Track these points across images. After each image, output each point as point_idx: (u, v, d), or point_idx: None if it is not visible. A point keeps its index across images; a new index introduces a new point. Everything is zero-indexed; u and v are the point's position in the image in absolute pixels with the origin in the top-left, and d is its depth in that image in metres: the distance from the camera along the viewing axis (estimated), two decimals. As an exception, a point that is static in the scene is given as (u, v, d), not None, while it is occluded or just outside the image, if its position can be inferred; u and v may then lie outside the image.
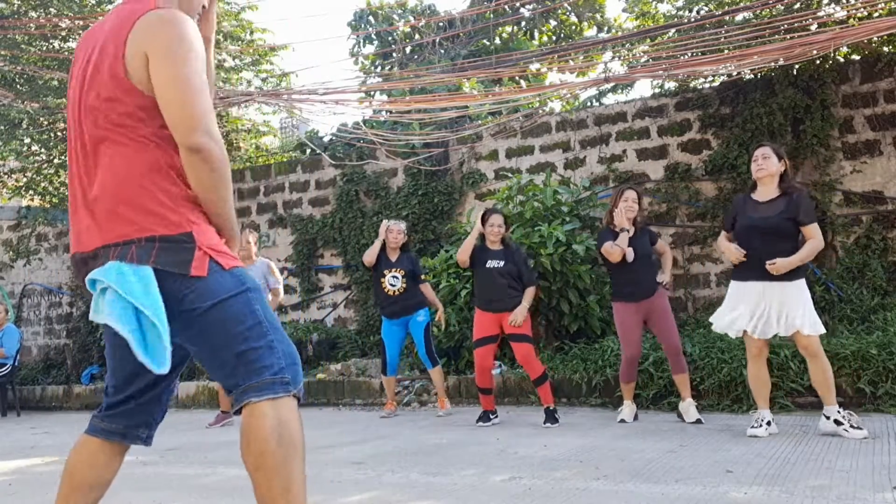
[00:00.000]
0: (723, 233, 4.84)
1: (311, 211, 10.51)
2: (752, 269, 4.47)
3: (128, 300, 1.78)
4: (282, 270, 10.50)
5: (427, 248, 9.37)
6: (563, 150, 9.05)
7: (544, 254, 6.97)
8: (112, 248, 1.86)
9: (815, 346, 4.38)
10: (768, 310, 4.41)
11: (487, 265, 5.68)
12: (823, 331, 4.45)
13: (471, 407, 6.79)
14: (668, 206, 8.34)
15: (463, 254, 5.73)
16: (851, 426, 4.30)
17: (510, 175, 8.67)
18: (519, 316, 5.52)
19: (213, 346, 1.90)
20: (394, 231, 6.57)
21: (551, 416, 5.44)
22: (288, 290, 10.57)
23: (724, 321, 4.61)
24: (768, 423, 4.52)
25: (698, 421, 5.12)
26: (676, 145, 8.46)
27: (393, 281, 6.46)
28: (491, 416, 5.70)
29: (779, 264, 4.33)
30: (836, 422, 4.36)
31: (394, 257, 6.55)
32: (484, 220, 5.81)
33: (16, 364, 9.35)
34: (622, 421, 5.41)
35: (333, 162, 10.04)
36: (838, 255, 7.53)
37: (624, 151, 8.70)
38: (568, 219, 7.67)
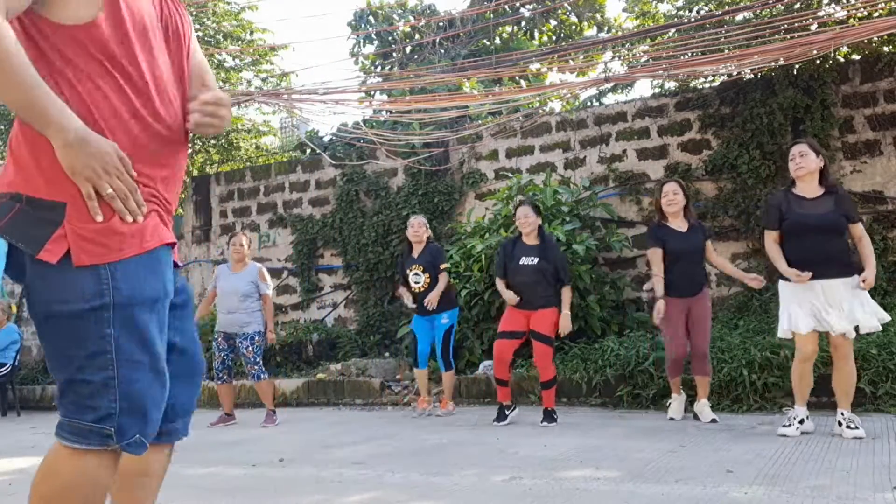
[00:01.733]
0: (769, 234, 4.63)
1: (311, 211, 10.50)
2: (812, 266, 4.34)
3: None
4: (282, 270, 10.51)
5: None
6: (563, 150, 9.05)
7: (544, 254, 6.96)
8: None
9: (849, 347, 4.35)
10: (829, 307, 4.32)
11: (521, 262, 5.64)
12: (888, 318, 4.42)
13: (471, 407, 6.80)
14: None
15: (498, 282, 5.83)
16: (849, 427, 4.32)
17: (510, 175, 8.67)
18: (565, 327, 5.56)
19: (50, 361, 1.55)
20: (414, 225, 6.58)
21: (549, 416, 5.48)
22: (288, 289, 10.58)
23: (792, 323, 4.45)
24: (801, 422, 4.47)
25: (713, 420, 5.15)
26: (676, 145, 8.45)
27: (416, 278, 6.45)
28: (507, 412, 5.68)
29: (870, 279, 4.29)
30: (839, 423, 4.38)
31: (416, 253, 6.53)
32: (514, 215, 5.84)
33: (16, 364, 9.35)
34: (671, 419, 5.37)
35: (333, 162, 10.03)
36: (838, 254, 7.53)
37: (624, 151, 8.70)
38: (568, 219, 7.68)
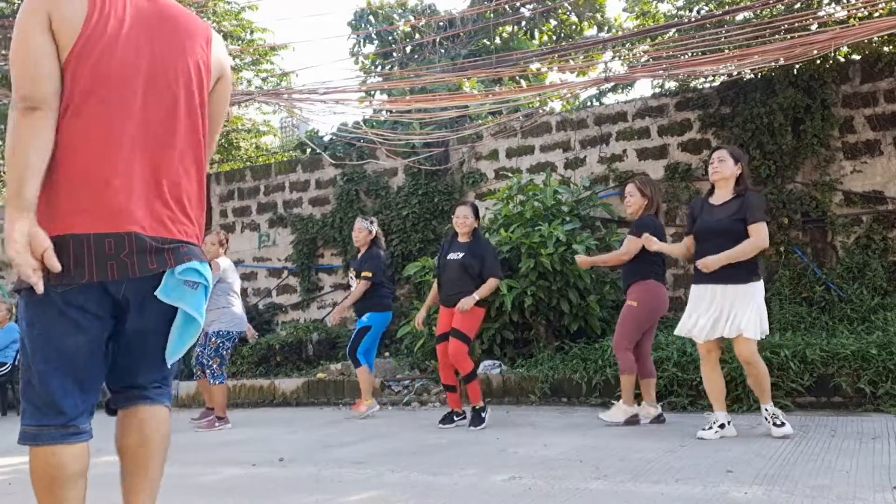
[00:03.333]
0: (686, 238, 4.83)
1: (312, 210, 10.51)
2: (706, 273, 4.49)
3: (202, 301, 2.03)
4: (282, 270, 10.51)
5: (427, 247, 9.37)
6: (564, 150, 9.05)
7: (544, 254, 6.96)
8: (197, 248, 2.04)
9: (748, 352, 4.39)
10: (718, 312, 4.44)
11: (448, 257, 5.64)
12: (765, 335, 4.49)
13: (469, 407, 6.79)
14: (668, 205, 8.33)
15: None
16: (774, 424, 4.37)
17: (510, 175, 8.67)
18: (464, 303, 5.38)
19: (163, 348, 2.10)
20: (356, 230, 6.62)
21: (478, 417, 5.40)
22: (288, 289, 10.58)
23: (685, 326, 4.62)
24: (721, 426, 4.51)
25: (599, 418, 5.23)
26: (676, 145, 8.46)
27: (352, 282, 6.61)
28: (455, 418, 5.62)
29: (707, 261, 4.38)
30: (766, 419, 4.46)
31: (359, 256, 6.66)
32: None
33: (16, 364, 9.35)
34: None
35: (333, 161, 10.04)
36: (838, 255, 7.53)
37: (624, 151, 8.70)
38: (568, 218, 7.67)
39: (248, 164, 12.22)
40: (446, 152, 9.59)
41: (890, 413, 5.10)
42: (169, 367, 2.08)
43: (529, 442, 4.73)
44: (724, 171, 4.59)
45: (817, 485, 3.18)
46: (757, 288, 4.46)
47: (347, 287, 6.33)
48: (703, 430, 4.53)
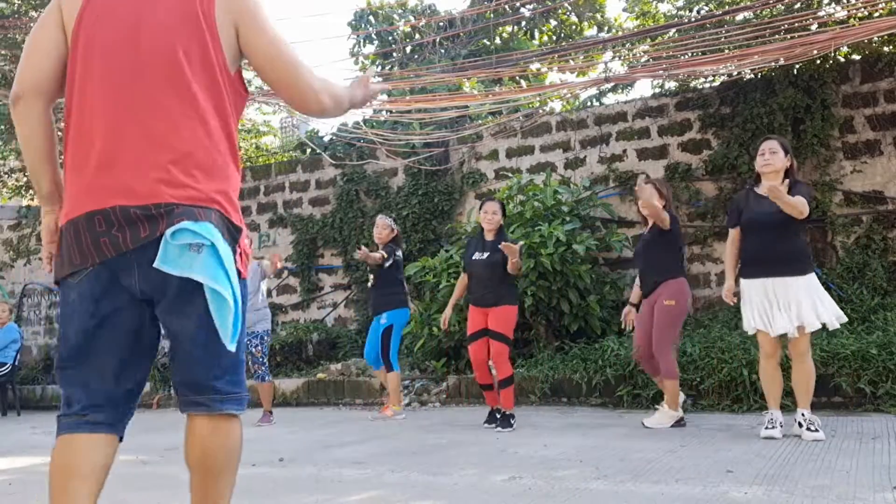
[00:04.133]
0: (731, 231, 4.69)
1: (312, 211, 10.51)
2: (756, 266, 4.43)
3: (225, 267, 1.78)
4: (282, 270, 10.50)
5: (427, 247, 9.37)
6: (564, 150, 9.05)
7: (544, 254, 6.97)
8: (199, 210, 1.80)
9: (805, 347, 4.34)
10: (775, 306, 4.35)
11: (473, 257, 5.59)
12: (844, 319, 4.41)
13: (471, 407, 6.79)
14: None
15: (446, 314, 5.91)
16: (808, 429, 4.30)
17: (510, 175, 8.67)
18: (513, 253, 5.22)
19: (209, 341, 1.95)
20: (378, 226, 6.58)
21: (507, 421, 5.34)
22: (288, 289, 10.58)
23: (752, 322, 4.50)
24: (780, 424, 4.44)
25: (643, 424, 5.10)
26: (677, 145, 8.45)
27: (369, 271, 6.53)
28: (497, 415, 5.60)
29: (773, 187, 4.18)
30: (799, 423, 4.36)
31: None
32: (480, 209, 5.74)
33: (16, 364, 9.35)
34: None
35: (333, 162, 10.04)
36: (838, 255, 7.53)
37: (624, 151, 8.70)
38: (568, 218, 7.67)
39: (248, 164, 12.22)
40: (446, 152, 9.59)
41: (890, 413, 5.10)
42: (224, 360, 1.84)
43: (529, 442, 4.73)
44: (775, 162, 4.47)
45: (817, 485, 3.18)
46: (814, 279, 4.38)
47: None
48: (766, 428, 4.41)
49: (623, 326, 5.53)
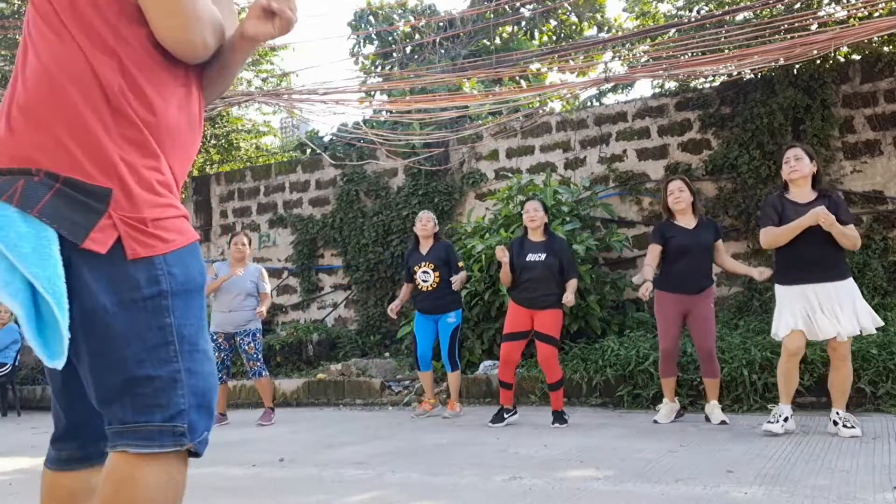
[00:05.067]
0: (770, 227, 4.61)
1: (312, 211, 10.51)
2: (800, 271, 4.42)
3: (12, 262, 1.28)
4: (282, 270, 10.51)
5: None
6: (564, 150, 9.05)
7: (544, 254, 6.96)
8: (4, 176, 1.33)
9: (847, 349, 4.39)
10: (818, 311, 4.37)
11: (528, 258, 5.51)
12: (881, 323, 4.47)
13: (471, 407, 6.79)
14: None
15: (504, 276, 5.60)
16: (845, 426, 4.36)
17: (510, 175, 8.67)
18: (570, 296, 5.34)
19: (94, 360, 1.37)
20: (423, 219, 6.42)
21: (559, 417, 5.37)
22: (288, 289, 10.58)
23: (780, 328, 4.52)
24: (786, 419, 4.49)
25: (723, 422, 5.06)
26: (677, 145, 8.46)
27: (424, 276, 6.26)
28: (506, 415, 5.57)
29: (820, 215, 4.25)
30: (835, 422, 4.43)
31: (425, 249, 6.37)
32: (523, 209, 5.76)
33: (16, 364, 9.35)
34: (655, 422, 5.30)
35: (334, 162, 10.04)
36: (838, 254, 7.53)
37: (624, 151, 8.70)
38: (568, 219, 7.68)
39: (249, 164, 12.22)
40: (446, 152, 9.59)
41: (890, 413, 5.10)
42: (51, 362, 1.33)
43: (530, 442, 4.73)
44: (803, 169, 4.53)
45: (817, 485, 3.18)
46: (853, 284, 4.45)
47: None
48: (770, 422, 4.48)
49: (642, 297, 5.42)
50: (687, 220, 5.34)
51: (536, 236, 5.58)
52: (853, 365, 5.35)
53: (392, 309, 6.39)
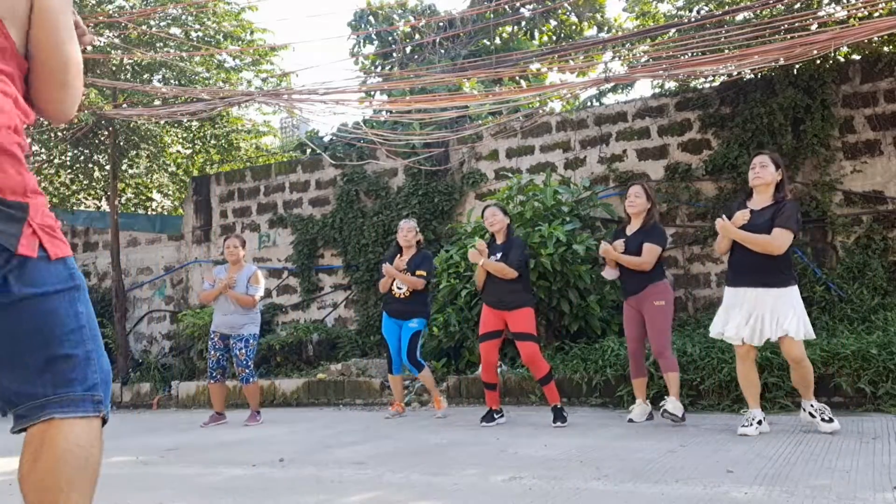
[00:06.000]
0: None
1: (312, 211, 10.51)
2: (744, 276, 4.57)
3: None
4: (282, 270, 10.51)
5: (427, 248, 9.36)
6: (564, 150, 9.05)
7: (544, 254, 6.97)
8: None
9: (797, 352, 4.46)
10: (761, 316, 4.49)
11: (490, 260, 5.65)
12: (812, 336, 4.54)
13: (471, 407, 6.79)
14: (668, 206, 8.34)
15: (478, 277, 5.72)
16: (822, 419, 4.46)
17: (510, 175, 8.67)
18: (489, 265, 5.50)
19: (17, 344, 1.58)
20: (403, 229, 6.55)
21: (559, 415, 5.38)
22: (288, 289, 10.58)
23: (718, 328, 4.69)
24: (759, 423, 4.57)
25: (672, 415, 5.03)
26: (677, 145, 8.46)
27: (399, 284, 6.39)
28: (495, 416, 5.64)
29: (725, 224, 4.53)
30: (811, 414, 4.54)
31: (406, 257, 6.48)
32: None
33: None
34: (630, 420, 5.36)
35: (334, 162, 10.04)
36: (838, 255, 7.53)
37: (624, 151, 8.70)
38: (568, 219, 7.68)
39: (248, 164, 12.22)
40: (446, 152, 9.59)
41: (890, 413, 5.10)
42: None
43: (529, 442, 4.73)
44: (765, 176, 4.63)
45: (817, 485, 3.18)
46: (794, 291, 4.52)
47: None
48: (744, 426, 4.55)
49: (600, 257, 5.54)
50: (633, 226, 5.45)
51: (500, 238, 5.75)
52: (853, 364, 5.39)
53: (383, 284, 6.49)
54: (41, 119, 1.76)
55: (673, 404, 5.10)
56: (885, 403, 5.21)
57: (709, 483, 3.32)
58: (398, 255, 6.54)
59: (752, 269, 4.52)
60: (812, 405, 4.57)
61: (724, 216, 4.70)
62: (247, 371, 6.63)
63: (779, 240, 4.46)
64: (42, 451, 1.58)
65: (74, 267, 1.69)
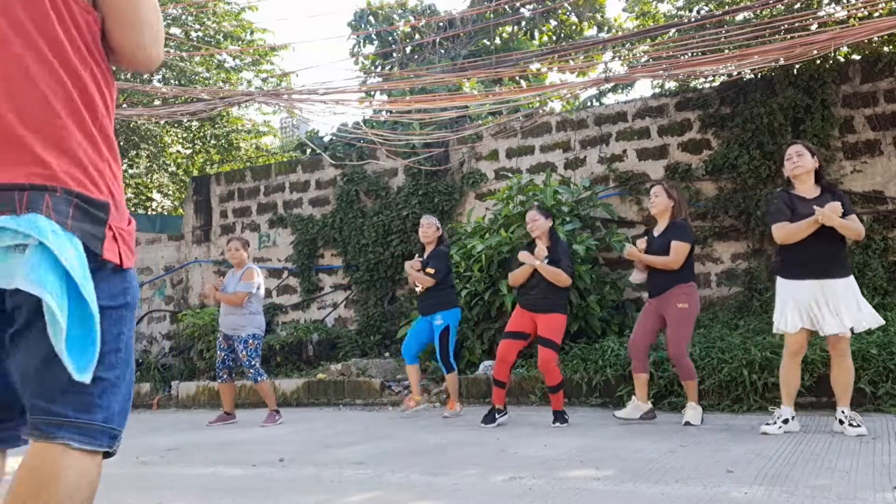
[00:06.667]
0: (783, 222, 4.60)
1: (312, 211, 10.51)
2: (807, 267, 4.44)
3: (62, 267, 1.33)
4: (282, 270, 10.51)
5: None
6: (564, 150, 9.05)
7: (544, 254, 6.97)
8: (25, 193, 1.37)
9: (847, 346, 4.42)
10: (824, 307, 4.39)
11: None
12: (883, 322, 4.49)
13: (471, 407, 6.79)
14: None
15: (520, 278, 5.59)
16: (850, 425, 4.39)
17: (510, 175, 8.67)
18: (545, 268, 5.39)
19: (51, 355, 1.38)
20: (423, 225, 6.55)
21: (560, 417, 5.37)
22: (288, 289, 10.58)
23: (783, 321, 4.53)
24: (785, 421, 4.52)
25: (687, 423, 5.04)
26: (677, 145, 8.45)
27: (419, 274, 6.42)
28: (497, 416, 5.60)
29: (826, 212, 4.31)
30: (840, 421, 4.45)
31: (426, 255, 6.51)
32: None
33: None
34: (617, 417, 5.35)
35: (334, 162, 10.04)
36: (838, 254, 7.53)
37: (624, 151, 8.70)
38: (568, 219, 7.68)
39: (249, 164, 12.23)
40: (446, 152, 9.59)
41: (890, 413, 5.10)
42: (80, 376, 1.39)
43: (529, 442, 4.73)
44: (805, 164, 4.57)
45: (817, 485, 3.18)
46: (854, 281, 4.48)
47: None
48: (768, 424, 4.53)
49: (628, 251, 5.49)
50: (659, 226, 5.44)
51: (544, 241, 5.60)
52: (854, 364, 5.37)
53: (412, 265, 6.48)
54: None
55: (692, 412, 5.09)
56: (885, 403, 5.21)
57: (709, 483, 3.32)
58: (423, 253, 6.57)
59: (818, 261, 4.40)
60: (843, 412, 4.46)
61: (826, 208, 4.39)
62: (252, 371, 6.65)
63: (858, 226, 4.40)
64: (50, 481, 1.40)
65: (133, 281, 1.52)
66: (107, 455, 1.51)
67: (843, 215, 4.39)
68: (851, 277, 4.49)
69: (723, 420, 5.24)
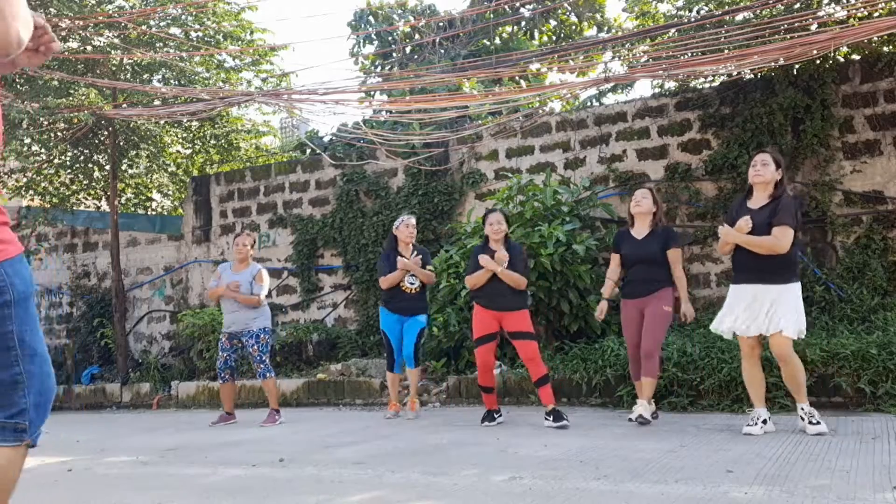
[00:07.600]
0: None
1: (311, 211, 10.50)
2: (744, 273, 4.62)
3: None
4: (282, 270, 10.51)
5: (427, 248, 9.36)
6: (563, 150, 9.05)
7: (544, 254, 6.97)
8: None
9: (786, 350, 4.47)
10: (758, 310, 4.52)
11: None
12: (804, 335, 4.57)
13: (471, 407, 6.80)
14: (668, 206, 8.33)
15: (479, 280, 5.63)
16: (810, 423, 4.46)
17: (510, 175, 8.67)
18: (507, 274, 5.48)
19: None
20: (410, 225, 6.55)
21: (557, 416, 5.34)
22: (288, 290, 10.58)
23: (723, 323, 4.72)
24: (764, 422, 4.60)
25: (640, 417, 5.07)
26: (676, 145, 8.45)
27: (412, 280, 6.41)
28: (495, 416, 5.67)
29: (727, 231, 4.58)
30: (801, 418, 4.55)
31: (408, 253, 6.50)
32: (485, 221, 5.83)
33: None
34: (638, 418, 5.25)
35: (333, 162, 10.04)
36: (838, 255, 7.53)
37: (624, 151, 8.70)
38: (568, 219, 7.67)
39: (248, 164, 12.21)
40: (446, 153, 9.59)
41: (890, 413, 5.10)
42: None
43: (529, 442, 4.73)
44: (766, 174, 4.63)
45: (817, 485, 3.18)
46: (795, 288, 4.53)
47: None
48: (749, 426, 4.58)
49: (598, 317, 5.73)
50: (640, 230, 5.45)
51: (497, 245, 5.71)
52: (853, 364, 5.39)
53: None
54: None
55: (645, 407, 5.13)
56: (885, 403, 5.21)
57: (709, 483, 3.32)
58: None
59: (753, 268, 4.55)
60: (803, 408, 4.55)
61: (725, 224, 4.73)
62: (262, 366, 6.64)
63: (782, 239, 4.47)
64: None
65: (9, 277, 1.46)
66: (30, 447, 1.57)
67: (770, 225, 4.47)
68: (793, 284, 4.52)
69: (723, 420, 5.24)
